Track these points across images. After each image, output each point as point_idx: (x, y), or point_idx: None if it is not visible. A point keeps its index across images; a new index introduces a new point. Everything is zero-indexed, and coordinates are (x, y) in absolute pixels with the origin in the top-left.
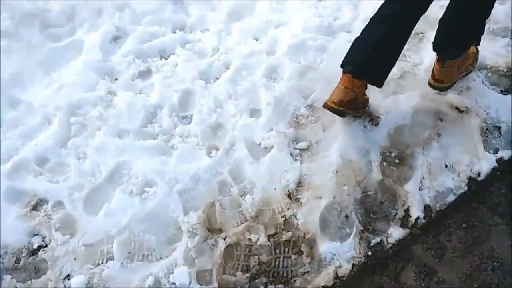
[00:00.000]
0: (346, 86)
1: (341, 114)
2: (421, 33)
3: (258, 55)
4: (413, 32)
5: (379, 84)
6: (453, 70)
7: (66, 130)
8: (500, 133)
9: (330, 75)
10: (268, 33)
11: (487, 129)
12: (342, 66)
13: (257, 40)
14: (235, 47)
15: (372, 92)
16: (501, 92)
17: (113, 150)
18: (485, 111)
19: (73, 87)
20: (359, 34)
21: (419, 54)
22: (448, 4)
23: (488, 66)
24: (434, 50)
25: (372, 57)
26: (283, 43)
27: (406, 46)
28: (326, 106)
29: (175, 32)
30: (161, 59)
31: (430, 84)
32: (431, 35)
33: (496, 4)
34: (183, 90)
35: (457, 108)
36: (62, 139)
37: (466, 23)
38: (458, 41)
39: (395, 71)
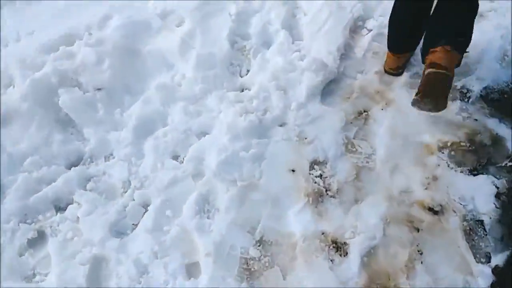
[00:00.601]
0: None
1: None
2: (364, 111)
3: (182, 182)
4: (355, 111)
5: None
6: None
7: None
8: (484, 229)
9: (274, 192)
10: (190, 148)
11: (470, 229)
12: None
13: (177, 159)
14: (151, 175)
15: (330, 208)
16: (470, 172)
17: None
18: (461, 204)
19: None
20: None
21: (369, 140)
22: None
23: (449, 143)
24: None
25: None
26: (211, 160)
27: (351, 134)
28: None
29: (70, 169)
30: (56, 213)
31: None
32: (376, 112)
33: None
34: (92, 258)
35: (430, 209)
36: None
37: (461, 17)
38: (459, 29)
39: (348, 169)
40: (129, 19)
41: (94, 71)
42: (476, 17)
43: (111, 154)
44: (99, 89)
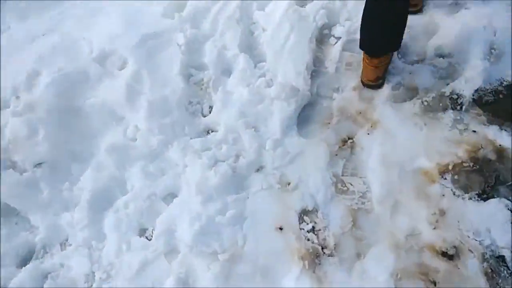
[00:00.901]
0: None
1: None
2: (348, 138)
3: (154, 264)
4: (338, 140)
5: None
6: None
7: None
8: (507, 267)
9: (263, 261)
10: (157, 219)
11: (492, 271)
12: None
13: (144, 234)
14: (116, 260)
15: (330, 270)
16: (479, 197)
17: None
18: (476, 240)
19: None
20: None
21: (360, 174)
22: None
23: (450, 166)
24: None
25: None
26: (184, 232)
27: (339, 170)
28: None
29: (21, 268)
30: None
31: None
32: (362, 138)
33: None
34: None
35: (444, 254)
36: None
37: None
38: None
39: (343, 215)
40: (61, 72)
41: (29, 144)
42: (452, 5)
43: (67, 240)
44: (39, 165)
